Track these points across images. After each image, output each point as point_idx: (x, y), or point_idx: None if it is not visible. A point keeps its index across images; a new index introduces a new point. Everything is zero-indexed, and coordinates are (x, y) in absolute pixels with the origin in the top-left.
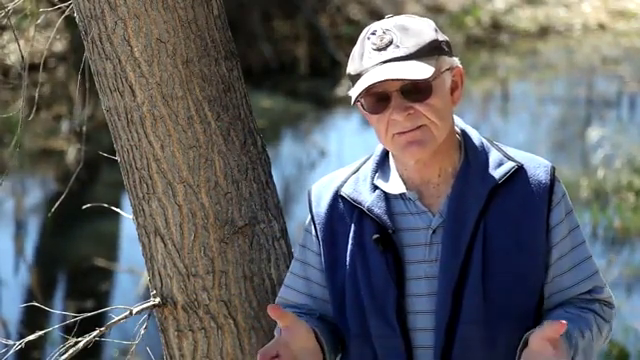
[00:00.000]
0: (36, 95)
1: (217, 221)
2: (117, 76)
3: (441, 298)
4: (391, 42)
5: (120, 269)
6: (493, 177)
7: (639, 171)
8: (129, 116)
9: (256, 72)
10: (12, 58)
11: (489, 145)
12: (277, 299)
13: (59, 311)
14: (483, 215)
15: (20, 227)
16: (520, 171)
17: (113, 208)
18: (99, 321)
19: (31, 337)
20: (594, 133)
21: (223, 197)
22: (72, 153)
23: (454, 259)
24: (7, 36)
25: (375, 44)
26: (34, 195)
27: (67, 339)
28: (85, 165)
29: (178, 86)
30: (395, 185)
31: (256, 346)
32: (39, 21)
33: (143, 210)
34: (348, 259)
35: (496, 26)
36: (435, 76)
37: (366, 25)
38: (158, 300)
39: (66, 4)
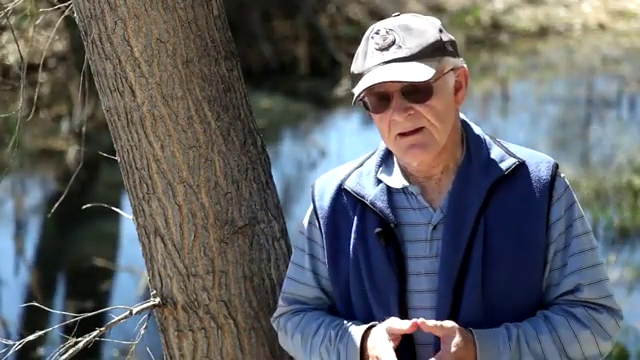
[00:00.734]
0: (35, 95)
1: (217, 221)
2: (117, 76)
3: (441, 295)
4: (394, 42)
5: (120, 269)
6: (493, 173)
7: (639, 171)
8: (129, 116)
9: (256, 72)
10: (12, 58)
11: (491, 141)
12: (282, 295)
13: (59, 311)
14: (483, 211)
15: (20, 227)
16: (521, 167)
17: (113, 208)
18: (99, 321)
19: (31, 337)
20: (594, 133)
21: (223, 197)
22: (72, 153)
23: (454, 255)
24: (7, 36)
25: (378, 44)
26: (34, 195)
27: (67, 339)
28: (85, 165)
29: (178, 86)
30: (398, 179)
31: (256, 346)
32: (39, 21)
33: (143, 210)
34: (351, 252)
35: (496, 26)
36: (436, 77)
37: (366, 25)
38: (158, 300)
39: (66, 4)
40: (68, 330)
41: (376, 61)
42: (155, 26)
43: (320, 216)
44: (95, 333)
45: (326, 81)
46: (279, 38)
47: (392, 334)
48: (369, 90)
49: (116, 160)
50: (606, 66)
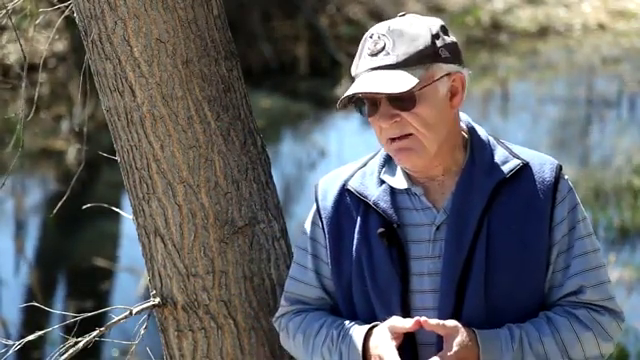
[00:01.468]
0: (36, 95)
1: (217, 221)
2: (117, 76)
3: (443, 295)
4: (383, 48)
5: (120, 269)
6: (497, 174)
7: (639, 171)
8: (129, 116)
9: (256, 72)
10: (11, 58)
11: (495, 142)
12: (285, 294)
13: (59, 311)
14: (487, 212)
15: (20, 227)
16: (525, 169)
17: (113, 208)
18: (99, 321)
19: (31, 337)
20: (594, 133)
21: (223, 197)
22: (72, 153)
23: (457, 256)
24: (7, 36)
25: (370, 49)
26: (34, 195)
27: (67, 339)
28: (85, 165)
29: (178, 86)
30: (401, 180)
31: (256, 346)
32: (39, 21)
33: (143, 210)
34: (354, 252)
35: (496, 26)
36: (423, 85)
37: (366, 25)
38: (158, 300)
39: (66, 4)
40: (68, 330)
41: (366, 66)
42: (155, 26)
43: (323, 216)
44: (95, 333)
45: (326, 81)
46: (279, 38)
47: (394, 333)
48: (353, 97)
49: (116, 160)
50: (606, 66)
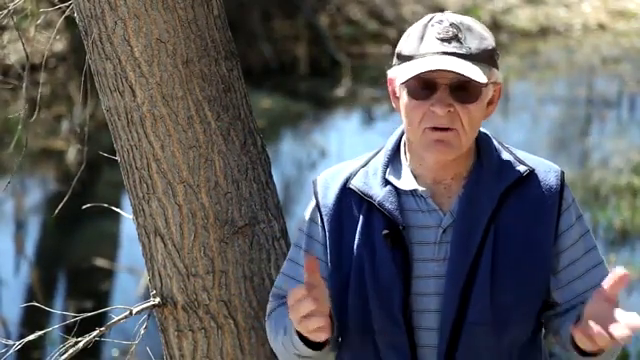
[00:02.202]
0: (38, 95)
1: (217, 221)
2: (117, 76)
3: (448, 298)
4: (456, 36)
5: (120, 269)
6: (505, 179)
7: (638, 171)
8: (129, 116)
9: (256, 72)
10: (12, 58)
11: (500, 147)
12: (273, 289)
13: (59, 311)
14: (494, 217)
15: (20, 227)
16: (531, 175)
17: (113, 208)
18: (99, 321)
19: (31, 337)
20: (594, 133)
21: (223, 197)
22: (72, 153)
23: (463, 259)
24: (7, 36)
25: (440, 33)
26: (34, 195)
27: (67, 339)
28: (85, 165)
29: (178, 86)
30: (407, 181)
31: (256, 346)
32: (39, 21)
33: (143, 210)
34: (355, 253)
35: (496, 26)
36: (487, 83)
37: (366, 25)
38: (158, 300)
39: (66, 4)
40: (68, 330)
41: (434, 49)
42: (155, 26)
43: (324, 213)
44: (95, 333)
45: (326, 81)
46: (279, 38)
47: (308, 282)
48: (427, 72)
49: (116, 160)
50: (606, 66)
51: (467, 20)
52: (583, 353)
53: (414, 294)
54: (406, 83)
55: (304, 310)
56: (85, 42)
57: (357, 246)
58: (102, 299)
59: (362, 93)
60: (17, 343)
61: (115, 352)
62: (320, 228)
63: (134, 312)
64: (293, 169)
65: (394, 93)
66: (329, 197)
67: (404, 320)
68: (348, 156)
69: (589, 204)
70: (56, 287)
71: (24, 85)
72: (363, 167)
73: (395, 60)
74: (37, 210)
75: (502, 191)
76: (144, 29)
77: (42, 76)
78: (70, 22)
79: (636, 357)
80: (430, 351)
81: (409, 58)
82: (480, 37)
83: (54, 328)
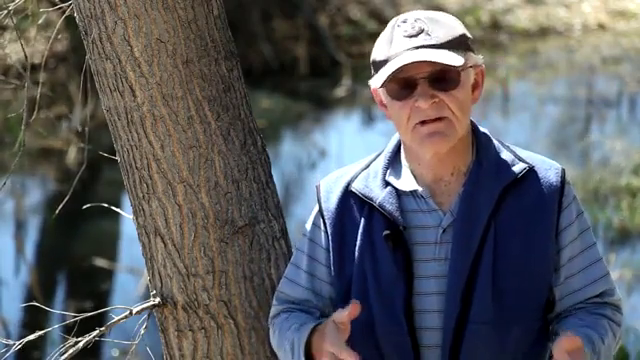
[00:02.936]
0: (38, 96)
1: (217, 221)
2: (117, 76)
3: (450, 297)
4: (422, 30)
5: (120, 269)
6: (505, 177)
7: (638, 171)
8: (129, 116)
9: (256, 72)
10: (13, 58)
11: (500, 145)
12: (277, 293)
13: (59, 311)
14: (494, 215)
15: (20, 227)
16: (531, 173)
17: (113, 208)
18: (99, 321)
19: (31, 337)
20: (594, 133)
21: (223, 197)
22: (72, 153)
23: (464, 258)
24: (8, 36)
25: (406, 31)
26: (34, 195)
27: (67, 339)
28: (86, 165)
29: (178, 86)
30: (407, 182)
31: (256, 346)
32: (40, 21)
33: (143, 210)
34: (357, 255)
35: (496, 26)
36: (463, 68)
37: (366, 25)
38: (158, 300)
39: (66, 4)
40: (68, 330)
41: (405, 46)
42: (155, 26)
43: (326, 217)
44: (95, 333)
45: (326, 81)
46: (279, 38)
47: (340, 323)
48: (393, 76)
49: (116, 160)
50: (606, 66)
51: (431, 14)
52: None
53: (416, 294)
54: (387, 87)
55: None
56: (85, 42)
57: (359, 248)
58: (102, 299)
59: (362, 93)
60: (17, 343)
61: (115, 352)
62: (323, 232)
63: (134, 312)
64: (293, 169)
65: (381, 102)
66: (331, 201)
67: (406, 320)
68: (348, 156)
69: (589, 204)
70: (56, 287)
71: (26, 84)
72: (364, 170)
73: (372, 70)
74: (37, 210)
75: (501, 189)
76: (144, 29)
77: (42, 76)
78: (70, 22)
79: (636, 357)
80: (433, 351)
81: (383, 63)
82: (447, 26)
83: (54, 328)
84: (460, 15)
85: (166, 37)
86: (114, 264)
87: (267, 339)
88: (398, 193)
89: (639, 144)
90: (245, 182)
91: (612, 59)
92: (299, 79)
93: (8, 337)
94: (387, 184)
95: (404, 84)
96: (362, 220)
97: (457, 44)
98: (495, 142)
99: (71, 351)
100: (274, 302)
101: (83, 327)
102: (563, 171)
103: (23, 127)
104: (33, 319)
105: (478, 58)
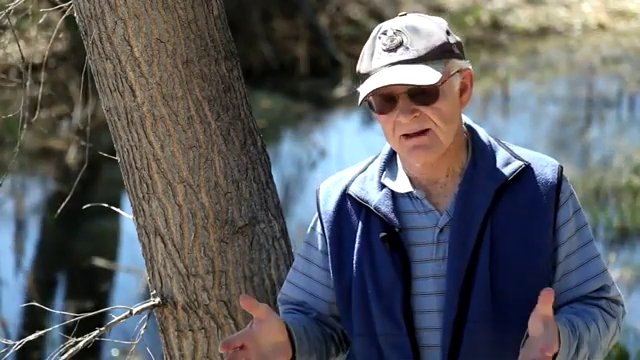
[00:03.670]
0: (39, 96)
1: (217, 221)
2: (117, 76)
3: (449, 297)
4: (401, 44)
5: (120, 269)
6: (500, 176)
7: (638, 171)
8: (129, 116)
9: (256, 72)
10: (14, 58)
11: (496, 144)
12: (279, 295)
13: (59, 311)
14: (490, 214)
15: (20, 227)
16: (527, 170)
17: (113, 208)
18: (99, 321)
19: (31, 337)
20: (594, 133)
21: (223, 197)
22: (72, 153)
23: (461, 258)
24: (9, 35)
25: (385, 44)
26: (34, 195)
27: (67, 339)
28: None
29: (178, 86)
30: (402, 184)
31: None
32: (41, 21)
33: (143, 210)
34: (355, 258)
35: (496, 26)
36: (443, 80)
37: (366, 25)
38: (158, 300)
39: (66, 4)
40: (68, 330)
41: (383, 62)
42: (155, 26)
43: (324, 221)
44: (95, 333)
45: (326, 81)
46: (279, 38)
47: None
48: (375, 91)
49: (116, 160)
50: (606, 66)
51: (412, 21)
52: None
53: (414, 295)
54: (370, 100)
55: None
56: (85, 42)
57: (357, 251)
58: (102, 299)
59: None
60: (17, 343)
61: (115, 352)
62: (320, 236)
63: (134, 312)
64: (293, 169)
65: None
66: (330, 205)
67: (405, 321)
68: (348, 156)
69: (589, 204)
70: (56, 287)
71: (27, 84)
72: (362, 173)
73: (358, 81)
74: (37, 210)
75: (497, 188)
76: (144, 29)
77: (42, 76)
78: (70, 22)
79: (636, 357)
80: (433, 351)
81: (366, 76)
82: (427, 35)
83: (54, 328)
84: (460, 15)
85: (166, 37)
86: (114, 264)
87: None
88: (394, 195)
89: (639, 144)
90: (245, 182)
91: (612, 59)
92: (299, 79)
93: (8, 337)
94: (383, 186)
95: (386, 98)
96: (360, 223)
97: (438, 54)
98: (491, 140)
99: (71, 351)
100: (279, 303)
101: (83, 327)
102: (560, 168)
103: (19, 125)
104: (33, 319)
105: (463, 62)
